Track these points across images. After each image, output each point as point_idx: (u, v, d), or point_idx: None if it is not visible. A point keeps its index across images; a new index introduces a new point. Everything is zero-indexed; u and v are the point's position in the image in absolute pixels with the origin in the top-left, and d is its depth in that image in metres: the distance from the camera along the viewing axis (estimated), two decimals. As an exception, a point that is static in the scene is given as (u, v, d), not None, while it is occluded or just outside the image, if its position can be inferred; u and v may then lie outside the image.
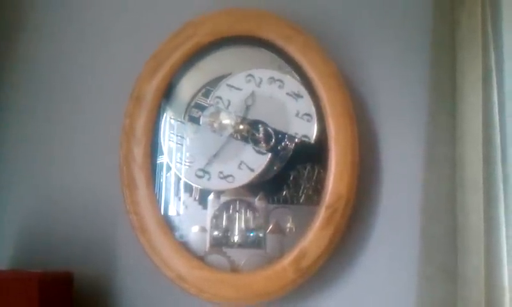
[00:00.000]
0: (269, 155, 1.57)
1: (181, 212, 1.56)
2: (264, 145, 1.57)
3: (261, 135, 1.57)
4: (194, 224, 1.55)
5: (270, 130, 1.57)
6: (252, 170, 1.56)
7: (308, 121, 1.57)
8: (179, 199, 1.56)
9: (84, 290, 1.54)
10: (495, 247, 1.44)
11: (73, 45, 1.68)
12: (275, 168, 1.56)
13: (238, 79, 1.59)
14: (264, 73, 1.59)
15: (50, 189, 1.64)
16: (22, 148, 1.65)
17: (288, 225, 1.56)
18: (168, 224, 1.53)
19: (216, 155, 1.56)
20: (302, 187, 1.57)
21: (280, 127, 1.57)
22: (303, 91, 1.58)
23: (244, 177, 1.56)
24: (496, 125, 1.49)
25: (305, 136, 1.57)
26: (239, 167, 1.56)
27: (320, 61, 1.58)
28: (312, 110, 1.57)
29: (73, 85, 1.67)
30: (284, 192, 1.57)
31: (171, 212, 1.56)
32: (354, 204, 1.54)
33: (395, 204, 1.62)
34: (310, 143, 1.57)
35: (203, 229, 1.55)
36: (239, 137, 1.57)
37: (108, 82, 1.66)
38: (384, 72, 1.67)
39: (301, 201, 1.57)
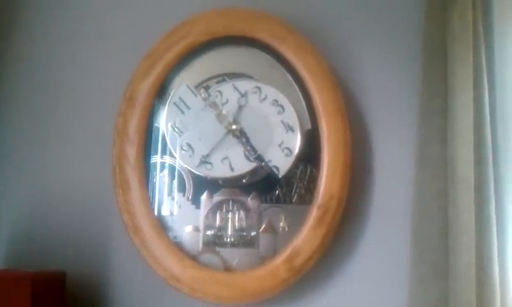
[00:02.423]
0: (254, 165, 1.57)
1: (174, 212, 1.56)
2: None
3: (248, 147, 1.57)
4: (187, 223, 1.56)
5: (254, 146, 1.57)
6: (232, 169, 1.56)
7: (286, 155, 1.57)
8: (172, 198, 1.56)
9: (77, 290, 1.54)
10: (486, 245, 1.45)
11: (67, 44, 1.68)
12: (244, 181, 1.56)
13: (245, 86, 1.59)
14: (271, 92, 1.58)
15: (44, 189, 1.64)
16: (16, 149, 1.65)
17: (281, 224, 1.56)
18: (161, 223, 1.54)
19: (208, 139, 1.56)
20: (294, 187, 1.58)
21: (259, 147, 1.57)
22: (297, 127, 1.57)
23: (222, 172, 1.56)
24: (487, 125, 1.50)
25: (276, 167, 1.57)
26: (222, 161, 1.56)
27: (312, 61, 1.58)
28: (296, 148, 1.57)
29: (67, 85, 1.67)
30: (277, 192, 1.57)
31: (165, 212, 1.56)
32: (347, 204, 1.55)
33: (387, 204, 1.63)
34: (276, 176, 1.57)
35: (196, 229, 1.55)
36: (232, 135, 1.58)
37: (102, 82, 1.67)
38: (376, 72, 1.67)
39: (294, 200, 1.57)
